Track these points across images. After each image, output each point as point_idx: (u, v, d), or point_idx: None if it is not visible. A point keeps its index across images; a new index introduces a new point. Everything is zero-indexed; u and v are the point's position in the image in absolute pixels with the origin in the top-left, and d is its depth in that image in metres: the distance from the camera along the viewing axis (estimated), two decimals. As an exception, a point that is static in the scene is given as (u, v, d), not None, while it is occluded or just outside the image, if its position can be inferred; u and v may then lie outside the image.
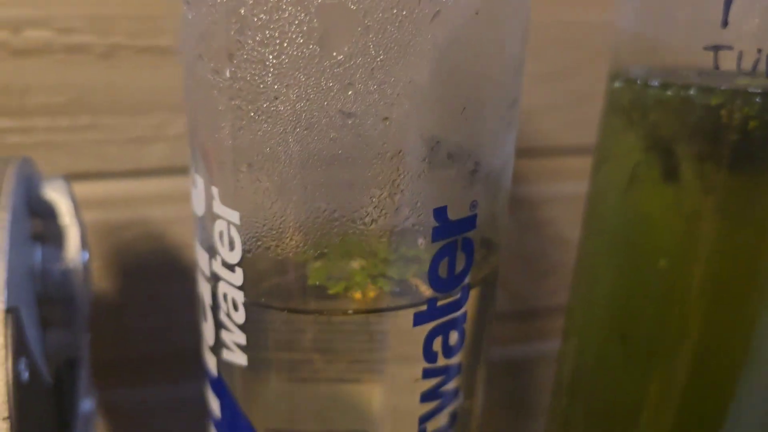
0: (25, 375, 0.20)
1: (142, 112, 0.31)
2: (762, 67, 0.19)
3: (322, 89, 0.15)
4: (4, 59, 0.29)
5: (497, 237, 0.19)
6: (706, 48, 0.19)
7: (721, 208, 0.20)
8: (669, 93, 0.20)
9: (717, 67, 0.19)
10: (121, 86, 0.30)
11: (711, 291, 0.21)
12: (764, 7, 0.18)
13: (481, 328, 0.20)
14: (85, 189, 0.31)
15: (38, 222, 0.24)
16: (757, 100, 0.19)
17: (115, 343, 0.33)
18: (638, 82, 0.21)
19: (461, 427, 0.20)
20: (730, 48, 0.19)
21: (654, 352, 0.22)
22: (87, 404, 0.26)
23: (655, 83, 0.21)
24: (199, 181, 0.18)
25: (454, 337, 0.18)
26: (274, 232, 0.17)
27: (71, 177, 0.25)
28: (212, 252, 0.18)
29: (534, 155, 0.36)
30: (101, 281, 0.33)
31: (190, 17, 0.17)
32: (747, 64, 0.19)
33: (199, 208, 0.18)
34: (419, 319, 0.17)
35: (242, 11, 0.15)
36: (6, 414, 0.18)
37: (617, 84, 0.22)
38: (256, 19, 0.15)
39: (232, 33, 0.15)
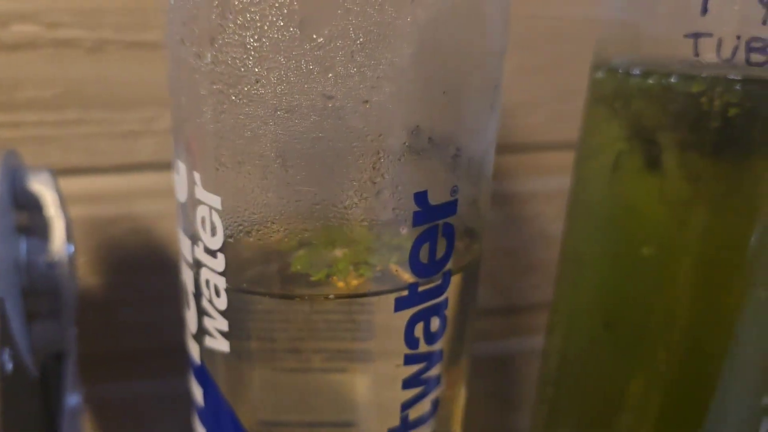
0: (9, 366, 0.20)
1: (130, 107, 0.31)
2: (741, 54, 0.19)
3: (303, 72, 0.15)
4: (-8, 53, 0.29)
5: (479, 225, 0.19)
6: (686, 36, 0.19)
7: (704, 195, 0.20)
8: (650, 81, 0.20)
9: (697, 55, 0.19)
10: (109, 81, 0.30)
11: (695, 278, 0.21)
12: (744, -5, 0.19)
13: (463, 316, 0.20)
14: (73, 184, 0.31)
15: (23, 214, 0.24)
16: (737, 87, 0.19)
17: (103, 337, 0.33)
18: (620, 71, 0.21)
19: (444, 416, 0.20)
20: (710, 35, 0.19)
21: (638, 339, 0.22)
22: (74, 398, 0.26)
23: (637, 72, 0.21)
24: (182, 167, 0.18)
25: (435, 323, 0.18)
26: (256, 216, 0.17)
27: (60, 171, 0.25)
28: (194, 238, 0.18)
29: (519, 150, 0.36)
30: (90, 276, 0.33)
31: (173, 2, 0.17)
32: (726, 51, 0.19)
33: (181, 194, 0.18)
34: (400, 305, 0.17)
35: (224, -5, 0.15)
36: (-12, 403, 0.18)
37: (600, 74, 0.22)
38: (237, 3, 0.15)
39: (214, 17, 0.15)
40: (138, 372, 0.35)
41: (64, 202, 0.25)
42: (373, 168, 0.16)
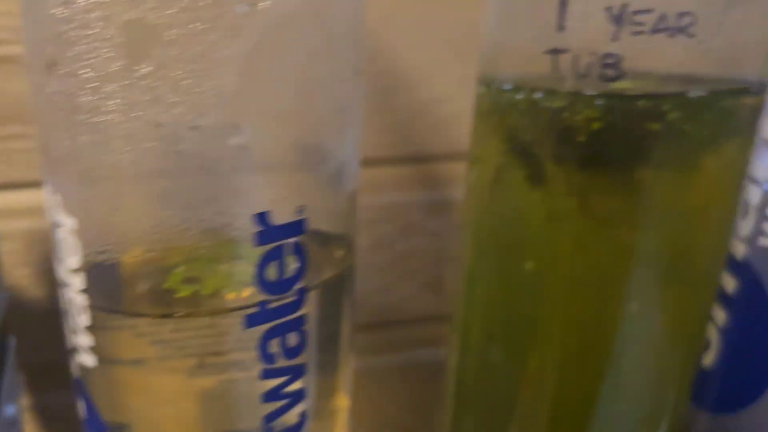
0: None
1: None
2: (596, 69, 0.19)
3: (133, 102, 0.16)
4: (-67, 72, 0.30)
5: (344, 240, 0.20)
6: (545, 52, 0.19)
7: (578, 207, 0.21)
8: (519, 97, 0.21)
9: (558, 71, 0.19)
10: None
11: (572, 291, 0.21)
12: (597, 11, 0.19)
13: (330, 330, 0.20)
14: (15, 198, 0.32)
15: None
16: (596, 102, 0.19)
17: (47, 347, 0.34)
18: (494, 86, 0.22)
19: (319, 428, 0.21)
20: (566, 51, 0.19)
21: (520, 351, 0.23)
22: (11, 408, 0.27)
23: (508, 87, 0.21)
24: (48, 188, 0.18)
25: (293, 338, 0.19)
26: (111, 238, 0.17)
27: (2, 186, 0.26)
28: (59, 258, 0.19)
29: (460, 159, 0.36)
30: (33, 288, 0.34)
31: (23, 27, 0.17)
32: (582, 67, 0.19)
33: (48, 214, 0.19)
34: (251, 321, 0.18)
35: (57, 28, 0.16)
36: None
37: (480, 89, 0.23)
38: (69, 35, 0.16)
39: (50, 48, 0.16)
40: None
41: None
42: (209, 191, 0.17)
